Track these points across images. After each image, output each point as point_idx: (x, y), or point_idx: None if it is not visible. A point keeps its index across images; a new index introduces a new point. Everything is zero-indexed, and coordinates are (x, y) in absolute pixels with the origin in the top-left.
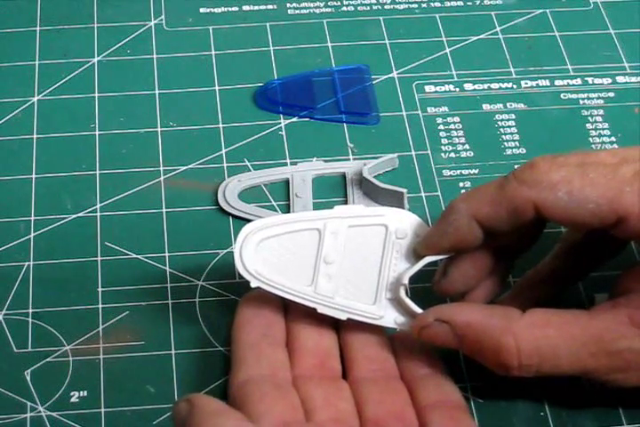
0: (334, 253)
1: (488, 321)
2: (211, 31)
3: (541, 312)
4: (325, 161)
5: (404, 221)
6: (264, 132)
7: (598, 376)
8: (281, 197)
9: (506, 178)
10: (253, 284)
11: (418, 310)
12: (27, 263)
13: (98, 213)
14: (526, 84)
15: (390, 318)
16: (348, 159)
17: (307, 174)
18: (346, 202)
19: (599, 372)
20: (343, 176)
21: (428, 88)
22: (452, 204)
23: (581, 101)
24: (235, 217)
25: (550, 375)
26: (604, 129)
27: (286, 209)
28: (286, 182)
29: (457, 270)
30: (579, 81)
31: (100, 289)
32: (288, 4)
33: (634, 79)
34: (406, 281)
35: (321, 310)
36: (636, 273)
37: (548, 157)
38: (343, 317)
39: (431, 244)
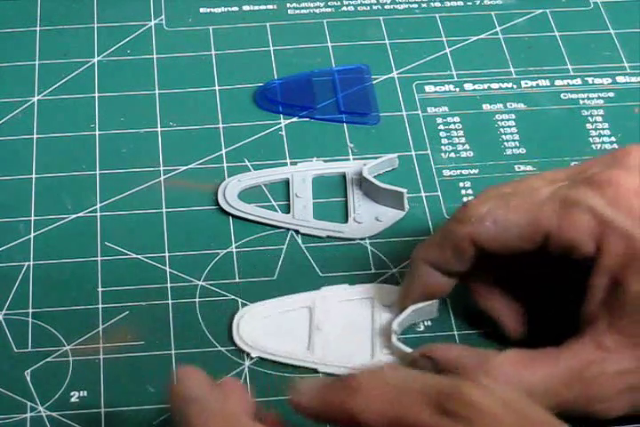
0: (326, 322)
1: (461, 360)
2: (211, 31)
3: (514, 352)
4: (325, 161)
5: (387, 292)
6: (264, 132)
7: (579, 409)
8: (281, 198)
9: (446, 220)
10: (254, 354)
11: (409, 350)
12: (27, 263)
13: (98, 213)
14: (526, 84)
15: None
16: (348, 159)
17: (307, 174)
18: (346, 202)
19: (578, 404)
20: (343, 176)
21: (427, 88)
22: (411, 255)
23: (581, 101)
24: (235, 217)
25: None
26: (604, 129)
27: (286, 209)
28: (286, 182)
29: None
30: (579, 81)
31: (99, 289)
32: (288, 4)
33: (634, 79)
34: (396, 327)
35: (321, 369)
36: (592, 299)
37: (483, 192)
38: (345, 373)
39: (405, 295)
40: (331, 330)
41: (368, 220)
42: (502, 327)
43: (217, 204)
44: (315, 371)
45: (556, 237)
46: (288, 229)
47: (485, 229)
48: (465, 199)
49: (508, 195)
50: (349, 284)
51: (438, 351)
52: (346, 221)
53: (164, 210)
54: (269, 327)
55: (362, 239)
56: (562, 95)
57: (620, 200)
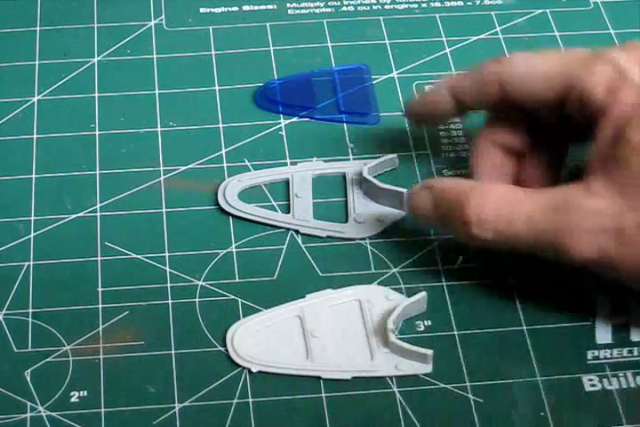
0: (319, 328)
1: (458, 184)
2: (211, 31)
3: (510, 184)
4: (325, 161)
5: (371, 292)
6: (264, 132)
7: (549, 241)
8: (281, 197)
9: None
10: (254, 369)
11: (411, 347)
12: (27, 263)
13: (98, 213)
14: None
15: (391, 367)
16: (348, 159)
17: (307, 174)
18: (346, 202)
19: (549, 234)
20: (343, 176)
21: (428, 88)
22: (441, 80)
23: None
24: (235, 217)
25: (506, 241)
26: None
27: (286, 209)
28: (286, 182)
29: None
30: None
31: (99, 289)
32: (288, 4)
33: None
34: (391, 325)
35: (324, 375)
36: (593, 154)
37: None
38: (348, 376)
39: (412, 108)
40: (325, 336)
41: (368, 220)
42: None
43: (217, 204)
44: (318, 378)
45: (575, 85)
46: (288, 229)
47: (515, 70)
48: None
49: (545, 50)
50: (349, 284)
51: (436, 183)
52: (346, 221)
53: (163, 210)
54: (264, 341)
55: (362, 239)
56: None
57: None
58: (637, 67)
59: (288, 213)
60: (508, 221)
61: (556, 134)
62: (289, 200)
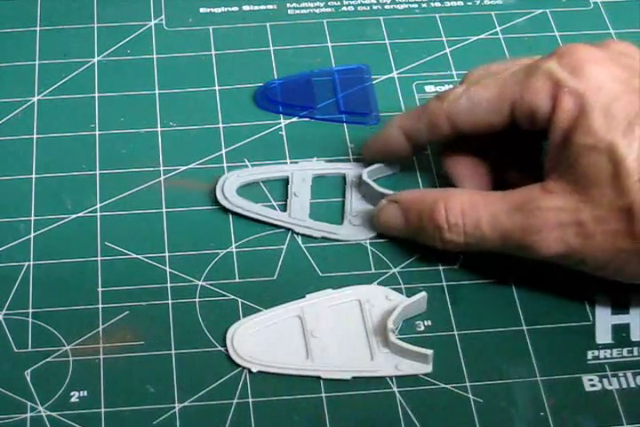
0: (319, 328)
1: (424, 195)
2: (211, 31)
3: (472, 188)
4: (326, 161)
5: (371, 292)
6: (264, 132)
7: (517, 240)
8: (279, 197)
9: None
10: (255, 369)
11: (411, 347)
12: (27, 263)
13: (98, 213)
14: None
15: (391, 367)
16: (349, 159)
17: (307, 174)
18: (343, 204)
19: (516, 233)
20: (343, 177)
21: (427, 88)
22: (387, 121)
23: None
24: (232, 213)
25: (477, 243)
26: None
27: (283, 208)
28: (285, 181)
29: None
30: None
31: (99, 289)
32: (288, 4)
33: None
34: (391, 325)
35: (324, 375)
36: (549, 156)
37: (465, 75)
38: (348, 376)
39: (368, 147)
40: (325, 336)
41: (363, 223)
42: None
43: (217, 203)
44: (318, 378)
45: (519, 105)
46: (283, 228)
47: (460, 105)
48: None
49: (484, 75)
50: (349, 284)
51: (403, 193)
52: (341, 222)
53: (163, 210)
54: (264, 341)
55: (361, 240)
56: None
57: (574, 66)
58: (569, 73)
59: (285, 211)
60: (474, 223)
61: (520, 138)
62: (287, 199)
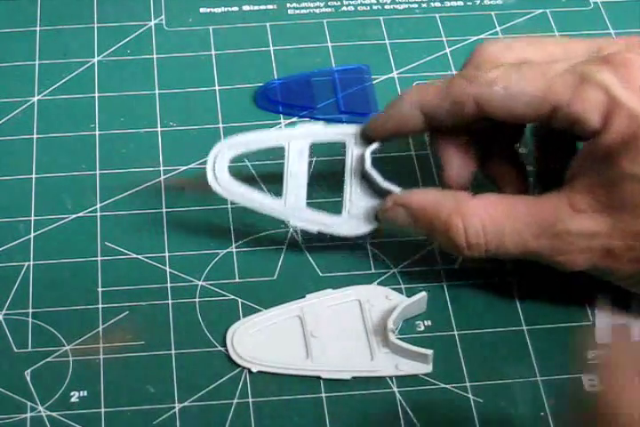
0: (319, 328)
1: (438, 204)
2: (211, 31)
3: (489, 195)
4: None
5: (371, 292)
6: None
7: (543, 258)
8: (275, 191)
9: (454, 75)
10: (254, 369)
11: (411, 347)
12: (27, 263)
13: (98, 213)
14: None
15: (391, 367)
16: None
17: (304, 146)
18: (342, 188)
19: (542, 254)
20: (342, 170)
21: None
22: (401, 94)
23: None
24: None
25: (500, 257)
26: None
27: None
28: (279, 165)
29: (448, 167)
30: None
31: (99, 289)
32: (288, 4)
33: None
34: (391, 325)
35: (324, 375)
36: (580, 159)
37: (493, 51)
38: (348, 376)
39: (377, 126)
40: (325, 336)
41: (362, 215)
42: (444, 173)
43: (216, 202)
44: (318, 378)
45: (565, 110)
46: (280, 222)
47: (494, 93)
48: None
49: (524, 65)
50: (349, 284)
51: (414, 197)
52: (339, 212)
53: (163, 210)
54: (264, 341)
55: (361, 239)
56: None
57: (631, 81)
58: (625, 89)
59: (280, 196)
60: (497, 242)
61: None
62: (282, 180)
